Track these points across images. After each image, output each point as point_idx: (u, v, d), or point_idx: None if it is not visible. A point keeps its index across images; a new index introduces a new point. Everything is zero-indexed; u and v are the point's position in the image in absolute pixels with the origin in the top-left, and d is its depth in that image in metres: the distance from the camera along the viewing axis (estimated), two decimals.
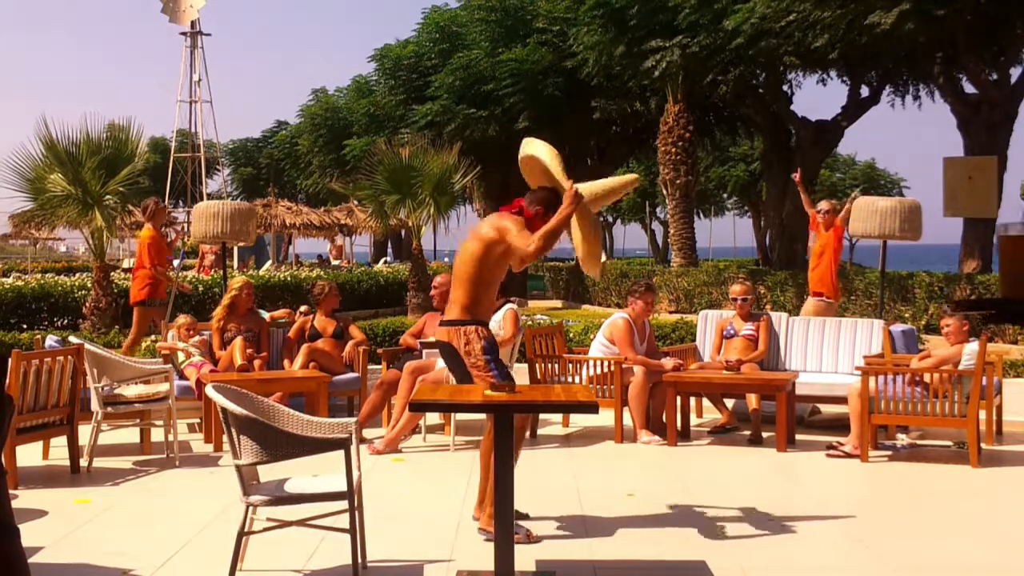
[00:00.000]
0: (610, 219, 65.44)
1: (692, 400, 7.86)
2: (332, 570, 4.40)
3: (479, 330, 4.85)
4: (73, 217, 11.87)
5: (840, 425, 7.51)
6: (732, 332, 8.00)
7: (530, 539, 4.76)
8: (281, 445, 4.12)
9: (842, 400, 7.13)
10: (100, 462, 6.62)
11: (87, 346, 6.69)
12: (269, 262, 27.46)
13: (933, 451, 7.16)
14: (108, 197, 11.72)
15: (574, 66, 24.79)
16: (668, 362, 7.55)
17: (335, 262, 28.94)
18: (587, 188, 5.01)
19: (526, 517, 5.08)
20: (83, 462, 6.47)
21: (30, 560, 2.91)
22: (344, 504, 4.18)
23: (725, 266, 19.75)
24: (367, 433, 7.37)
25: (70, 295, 14.53)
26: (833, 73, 24.17)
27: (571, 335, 9.12)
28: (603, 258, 5.35)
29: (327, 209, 31.79)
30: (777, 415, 7.04)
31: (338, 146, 33.46)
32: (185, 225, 34.03)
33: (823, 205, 9.83)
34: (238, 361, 7.57)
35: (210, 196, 43.59)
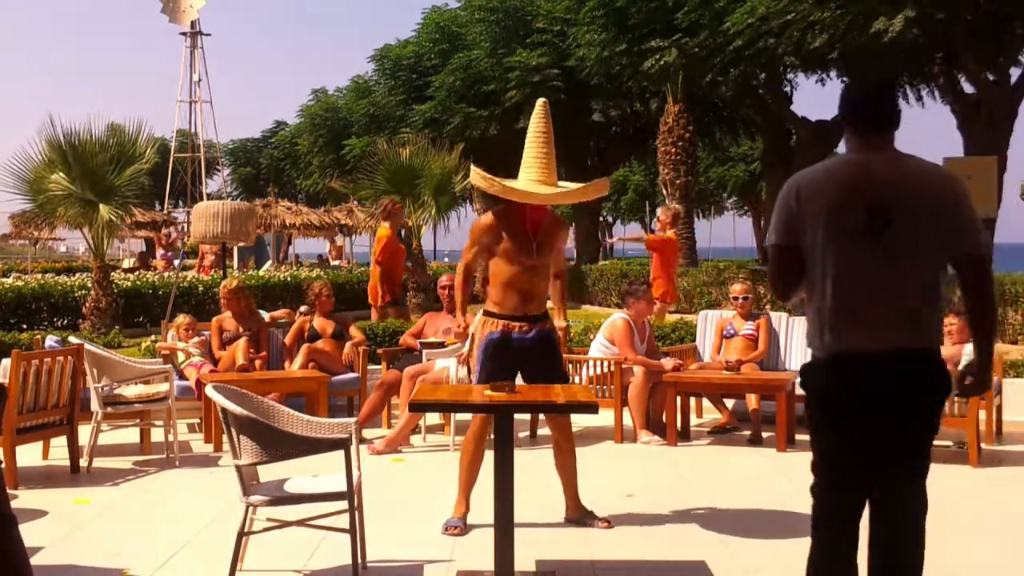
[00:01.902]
0: (610, 219, 65.48)
1: (692, 400, 7.86)
2: (332, 570, 4.41)
3: (484, 321, 5.04)
4: (74, 216, 11.88)
5: None
6: (732, 332, 7.99)
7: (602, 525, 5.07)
8: (281, 445, 4.12)
9: None
10: (100, 462, 6.62)
11: (87, 346, 6.70)
12: (269, 262, 27.42)
13: (933, 451, 7.13)
14: (113, 196, 11.73)
15: (574, 66, 24.81)
16: (668, 362, 7.55)
17: (335, 262, 28.89)
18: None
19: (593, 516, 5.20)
20: (83, 462, 6.48)
21: (30, 560, 2.91)
22: (344, 504, 4.18)
23: (725, 266, 19.73)
24: (367, 433, 7.37)
25: (70, 295, 14.53)
26: (833, 73, 24.18)
27: (571, 335, 9.10)
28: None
29: (327, 209, 31.74)
30: (777, 415, 7.04)
31: (338, 146, 33.50)
32: (185, 225, 34.09)
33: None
34: (240, 361, 7.57)
35: (210, 196, 43.63)
